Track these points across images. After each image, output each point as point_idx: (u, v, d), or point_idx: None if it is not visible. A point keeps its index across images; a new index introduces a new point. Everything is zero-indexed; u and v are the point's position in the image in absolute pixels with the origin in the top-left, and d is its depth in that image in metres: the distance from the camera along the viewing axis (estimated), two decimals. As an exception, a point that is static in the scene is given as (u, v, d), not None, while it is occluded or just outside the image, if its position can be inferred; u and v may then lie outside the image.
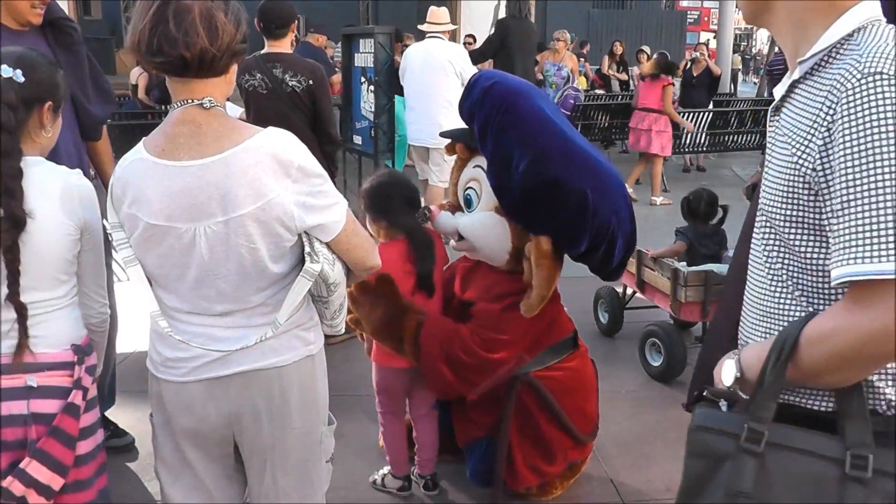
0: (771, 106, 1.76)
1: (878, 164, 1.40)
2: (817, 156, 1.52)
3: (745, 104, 15.37)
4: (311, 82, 5.29)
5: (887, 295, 1.38)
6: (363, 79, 8.70)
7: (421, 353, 3.48)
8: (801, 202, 1.58)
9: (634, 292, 5.89)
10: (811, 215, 1.57)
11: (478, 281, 3.58)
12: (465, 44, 13.49)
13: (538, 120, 3.20)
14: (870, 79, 1.44)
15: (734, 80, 21.99)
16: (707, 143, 13.78)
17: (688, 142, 13.40)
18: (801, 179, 1.56)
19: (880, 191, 1.40)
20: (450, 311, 3.69)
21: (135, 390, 4.67)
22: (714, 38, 22.67)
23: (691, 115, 12.94)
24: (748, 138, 14.44)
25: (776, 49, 17.07)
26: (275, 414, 2.37)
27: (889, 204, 1.39)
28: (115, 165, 2.28)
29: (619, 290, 6.06)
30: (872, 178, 1.41)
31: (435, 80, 7.87)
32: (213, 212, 2.13)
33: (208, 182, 2.12)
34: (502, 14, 11.56)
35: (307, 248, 2.25)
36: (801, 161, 1.56)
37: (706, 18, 29.77)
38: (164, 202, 2.14)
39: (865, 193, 1.41)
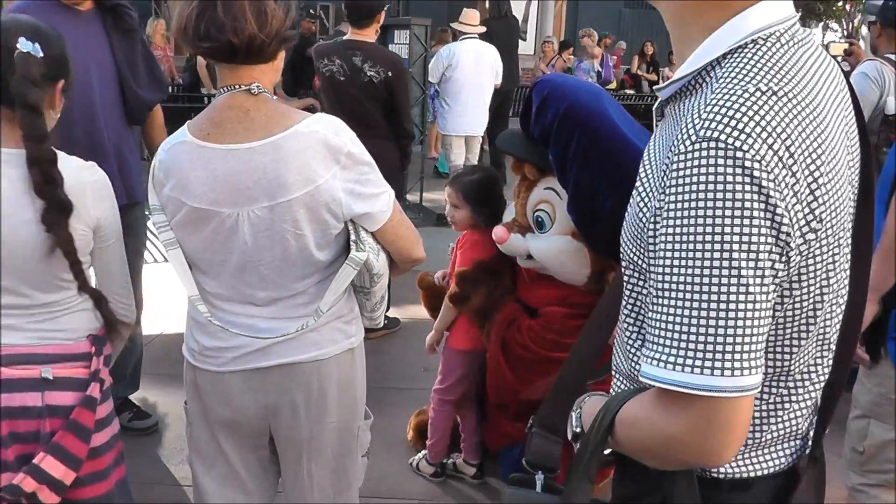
0: (655, 111, 1.49)
1: (691, 260, 1.18)
2: (653, 215, 1.30)
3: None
4: (389, 74, 5.18)
5: (690, 406, 1.20)
6: (408, 74, 8.66)
7: (490, 335, 3.44)
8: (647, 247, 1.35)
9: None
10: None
11: (550, 289, 3.45)
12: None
13: (621, 148, 2.92)
14: (703, 145, 1.16)
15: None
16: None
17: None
18: (644, 230, 1.35)
19: (690, 294, 1.18)
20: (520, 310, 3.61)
21: (162, 373, 4.65)
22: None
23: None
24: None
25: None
26: (313, 408, 2.31)
27: (697, 312, 1.18)
28: None
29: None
30: (686, 276, 1.18)
31: (485, 80, 9.07)
32: (258, 197, 2.09)
33: (255, 166, 2.07)
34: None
35: (353, 237, 2.19)
36: (644, 209, 1.36)
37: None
38: (208, 186, 2.09)
39: (678, 291, 1.19)
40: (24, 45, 2.11)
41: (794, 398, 1.41)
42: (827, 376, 1.44)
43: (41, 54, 2.16)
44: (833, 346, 1.42)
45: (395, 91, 5.27)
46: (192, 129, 2.14)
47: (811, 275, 1.27)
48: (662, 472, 1.39)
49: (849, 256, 1.38)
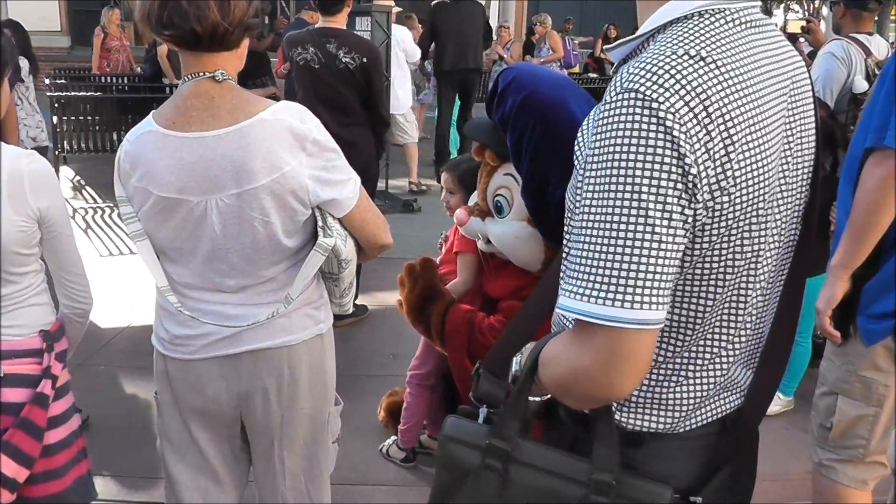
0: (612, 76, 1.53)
1: (604, 200, 1.25)
2: (583, 164, 1.38)
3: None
4: (364, 60, 5.14)
5: (594, 336, 1.27)
6: (383, 61, 8.62)
7: (446, 343, 3.43)
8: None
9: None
10: None
11: (507, 280, 3.47)
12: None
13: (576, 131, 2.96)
14: (623, 96, 1.26)
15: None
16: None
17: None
18: (578, 173, 1.43)
19: (601, 230, 1.25)
20: (476, 302, 3.62)
21: (131, 366, 4.64)
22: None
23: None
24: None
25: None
26: (284, 394, 2.32)
27: (606, 248, 1.25)
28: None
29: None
30: (598, 214, 1.26)
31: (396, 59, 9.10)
32: (225, 184, 2.08)
33: (222, 154, 2.07)
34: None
35: (320, 223, 2.20)
36: (578, 159, 1.46)
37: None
38: (176, 174, 2.08)
39: (592, 228, 1.27)
40: None
41: (706, 355, 1.47)
42: (744, 337, 1.50)
43: None
44: (751, 311, 1.48)
45: (371, 77, 5.25)
46: (157, 119, 2.13)
47: (721, 238, 1.34)
48: (580, 422, 1.50)
49: (778, 231, 1.46)
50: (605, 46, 2.52)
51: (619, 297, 1.23)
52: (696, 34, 1.32)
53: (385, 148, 5.83)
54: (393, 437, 4.02)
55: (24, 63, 6.28)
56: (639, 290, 1.23)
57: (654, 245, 1.23)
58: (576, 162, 1.46)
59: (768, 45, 1.42)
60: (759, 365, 1.56)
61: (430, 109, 12.47)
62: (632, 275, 1.23)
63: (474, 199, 3.46)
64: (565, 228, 1.56)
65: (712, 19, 1.35)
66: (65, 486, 2.33)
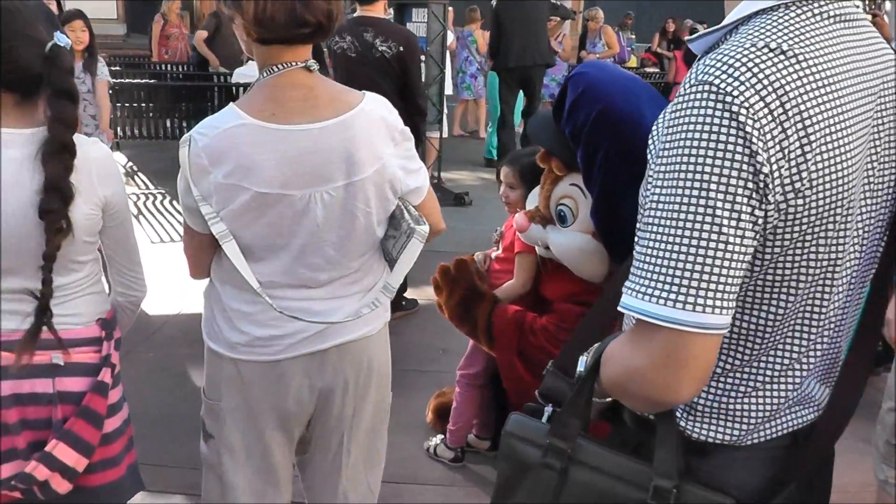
0: None
1: (672, 196, 1.22)
2: (654, 157, 1.34)
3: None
4: (401, 49, 5.10)
5: (653, 337, 1.23)
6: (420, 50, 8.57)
7: (495, 343, 3.38)
8: None
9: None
10: None
11: (563, 282, 3.37)
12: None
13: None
14: (697, 88, 1.21)
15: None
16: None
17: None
18: (649, 167, 1.39)
19: (668, 228, 1.22)
20: (526, 302, 3.54)
21: (178, 354, 4.63)
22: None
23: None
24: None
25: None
26: (360, 386, 2.31)
27: (672, 246, 1.21)
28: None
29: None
30: (666, 211, 1.22)
31: None
32: (333, 176, 2.06)
33: (328, 146, 2.04)
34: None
35: (409, 212, 2.21)
36: (651, 153, 1.40)
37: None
38: (279, 169, 2.01)
39: (659, 225, 1.23)
40: (60, 39, 2.06)
41: (777, 366, 1.41)
42: (820, 350, 1.43)
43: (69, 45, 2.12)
44: (829, 324, 1.42)
45: (407, 67, 5.21)
46: (248, 110, 2.03)
47: (795, 242, 1.28)
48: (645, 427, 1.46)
49: (859, 241, 1.39)
50: (687, 38, 2.46)
51: (682, 298, 1.20)
52: (780, 26, 1.26)
53: (423, 138, 5.75)
54: (440, 436, 3.95)
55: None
56: (702, 293, 1.19)
57: (721, 246, 1.19)
58: (649, 157, 1.39)
59: (859, 41, 1.33)
60: (838, 379, 1.48)
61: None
62: (696, 276, 1.19)
63: (532, 199, 3.37)
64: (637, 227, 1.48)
65: (798, 11, 1.29)
66: (120, 475, 2.30)
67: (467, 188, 9.04)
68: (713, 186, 1.18)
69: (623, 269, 1.70)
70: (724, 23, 1.36)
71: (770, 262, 1.29)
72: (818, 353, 1.43)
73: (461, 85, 12.38)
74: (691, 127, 1.20)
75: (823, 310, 1.39)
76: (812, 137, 1.20)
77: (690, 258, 1.19)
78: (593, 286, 3.25)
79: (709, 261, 1.18)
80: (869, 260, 1.44)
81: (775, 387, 1.41)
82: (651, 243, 1.24)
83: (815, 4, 1.29)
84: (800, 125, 1.19)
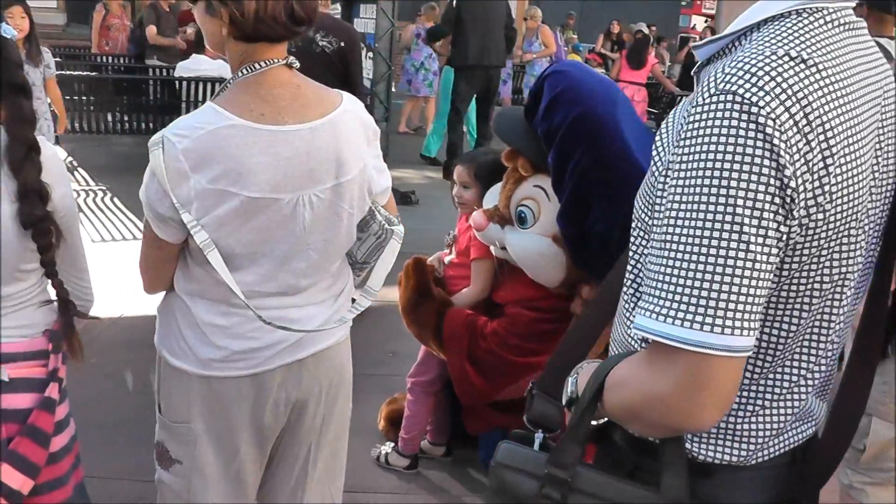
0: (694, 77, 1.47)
1: (695, 212, 1.15)
2: (665, 169, 1.28)
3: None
4: (342, 44, 5.04)
5: (675, 361, 1.17)
6: (362, 45, 8.50)
7: (445, 346, 3.34)
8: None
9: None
10: None
11: (517, 287, 3.34)
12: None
13: (627, 168, 2.73)
14: (720, 98, 1.15)
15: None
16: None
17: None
18: (656, 185, 1.33)
19: (690, 246, 1.16)
20: (479, 306, 3.50)
21: (121, 359, 4.49)
22: (706, 22, 22.58)
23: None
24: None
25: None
26: (331, 392, 2.27)
27: (695, 265, 1.15)
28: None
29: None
30: (687, 227, 1.16)
31: None
32: (322, 178, 2.00)
33: (319, 147, 1.98)
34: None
35: (380, 213, 2.20)
36: (658, 165, 1.34)
37: (699, 2, 29.53)
38: (271, 172, 1.91)
39: (678, 242, 1.17)
40: (6, 30, 1.97)
41: (785, 383, 1.37)
42: (825, 365, 1.40)
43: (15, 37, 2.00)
44: (834, 339, 1.38)
45: (349, 62, 5.16)
46: (233, 110, 1.89)
47: (812, 259, 1.24)
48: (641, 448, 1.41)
49: (863, 253, 1.34)
50: (692, 44, 2.39)
51: (709, 319, 1.14)
52: (795, 34, 1.22)
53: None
54: (389, 444, 3.88)
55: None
56: (730, 314, 1.13)
57: (748, 264, 1.13)
58: (653, 166, 1.35)
59: (863, 49, 1.30)
60: (839, 394, 1.45)
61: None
62: (722, 296, 1.13)
63: (489, 198, 3.32)
64: (632, 234, 1.45)
65: (811, 19, 1.25)
66: (67, 495, 2.20)
67: (413, 187, 8.96)
68: (740, 202, 1.12)
69: (605, 286, 1.66)
70: (731, 30, 1.31)
71: (786, 279, 1.25)
72: (822, 368, 1.40)
73: (423, 82, 12.36)
74: (714, 139, 1.14)
75: (832, 324, 1.35)
76: (834, 150, 1.17)
77: (717, 277, 1.13)
78: (547, 292, 3.24)
79: (736, 280, 1.13)
80: (866, 272, 1.41)
81: (783, 404, 1.37)
82: (670, 261, 1.18)
83: (825, 12, 1.26)
84: (822, 137, 1.16)
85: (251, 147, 1.88)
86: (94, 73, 9.57)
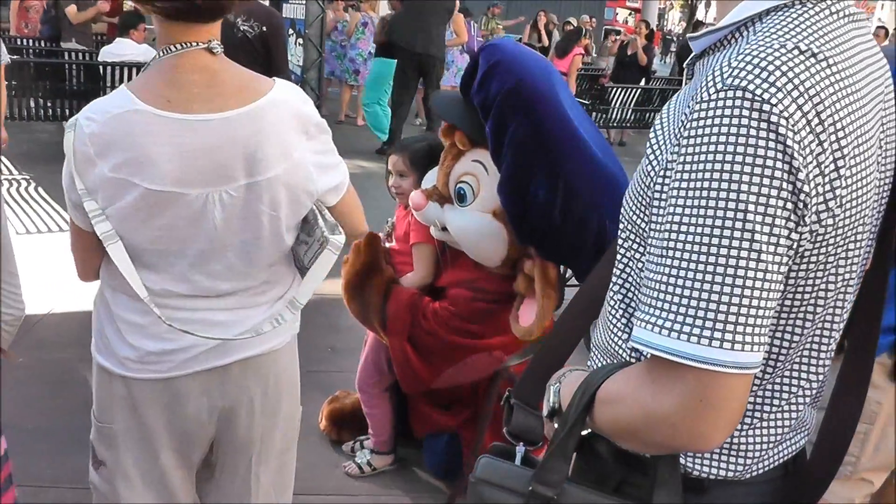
0: (684, 75, 1.41)
1: (701, 218, 1.08)
2: (662, 169, 1.21)
3: (671, 83, 15.47)
4: (264, 28, 4.93)
5: (681, 379, 1.10)
6: (291, 31, 8.38)
7: (388, 326, 3.27)
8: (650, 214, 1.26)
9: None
10: None
11: (461, 270, 3.29)
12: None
13: (566, 137, 2.75)
14: (728, 94, 1.07)
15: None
16: (633, 119, 13.80)
17: (616, 117, 13.44)
18: (651, 186, 1.25)
19: (696, 254, 1.08)
20: (422, 291, 3.44)
21: (51, 358, 4.30)
22: (630, 15, 22.85)
23: (622, 90, 13.22)
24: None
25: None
26: (268, 403, 2.15)
27: (702, 275, 1.07)
28: None
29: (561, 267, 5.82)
30: (693, 234, 1.08)
31: None
32: (234, 174, 1.84)
33: (233, 139, 1.82)
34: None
35: (324, 218, 2.01)
36: (654, 164, 1.25)
37: (623, -6, 29.75)
38: (174, 163, 1.78)
39: (683, 250, 1.09)
40: None
41: (784, 395, 1.33)
42: (822, 374, 1.35)
43: None
44: (833, 347, 1.33)
45: (271, 47, 5.08)
46: (141, 95, 1.80)
47: (818, 266, 1.19)
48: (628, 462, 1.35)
49: (862, 256, 1.28)
50: (689, 35, 2.34)
51: (717, 334, 1.06)
52: (803, 26, 1.14)
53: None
54: (363, 451, 3.78)
55: None
56: (739, 328, 1.06)
57: (760, 275, 1.06)
58: (648, 165, 1.27)
59: (865, 41, 1.24)
60: (832, 403, 1.40)
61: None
62: (732, 308, 1.06)
63: (429, 181, 3.26)
64: (620, 236, 1.38)
65: (817, 9, 1.17)
66: None
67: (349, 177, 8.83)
68: (751, 207, 1.05)
69: (585, 288, 1.60)
70: (731, 19, 1.23)
71: (791, 288, 1.19)
72: (820, 378, 1.35)
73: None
74: (723, 138, 1.06)
75: (833, 333, 1.31)
76: (845, 151, 1.11)
77: (727, 289, 1.06)
78: (488, 273, 3.21)
79: (746, 292, 1.06)
80: (860, 274, 1.35)
81: (781, 415, 1.33)
82: (674, 269, 1.10)
83: (829, 2, 1.19)
84: (833, 137, 1.09)
85: (154, 135, 1.78)
86: (15, 57, 9.24)
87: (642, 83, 14.10)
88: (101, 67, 8.64)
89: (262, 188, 1.87)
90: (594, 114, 12.75)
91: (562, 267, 3.07)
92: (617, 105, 13.12)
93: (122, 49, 8.41)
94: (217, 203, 1.85)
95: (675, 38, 24.20)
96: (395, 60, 9.81)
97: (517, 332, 3.09)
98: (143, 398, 2.02)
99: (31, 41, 11.17)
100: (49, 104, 8.86)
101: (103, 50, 8.84)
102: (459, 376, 3.31)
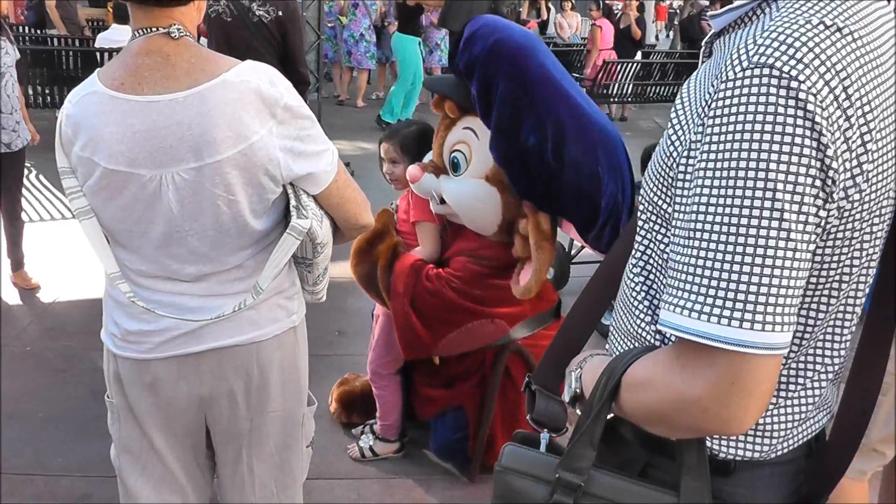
0: (701, 53, 1.38)
1: (730, 198, 1.06)
2: (686, 149, 1.18)
3: (670, 56, 15.41)
4: (280, 13, 4.88)
5: (712, 362, 1.08)
6: (301, 15, 8.39)
7: (392, 284, 3.27)
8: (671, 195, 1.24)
9: (582, 246, 5.67)
10: None
11: (462, 241, 3.31)
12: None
13: (550, 87, 2.82)
14: (755, 72, 1.05)
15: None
16: (631, 93, 13.74)
17: (615, 92, 13.39)
18: (673, 167, 1.22)
19: (725, 235, 1.06)
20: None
21: (57, 346, 4.30)
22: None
23: (620, 65, 13.13)
24: (670, 90, 14.38)
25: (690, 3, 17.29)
26: (253, 396, 2.08)
27: (731, 256, 1.06)
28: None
29: (566, 243, 5.81)
30: (722, 214, 1.07)
31: None
32: (183, 156, 1.80)
33: (179, 121, 1.79)
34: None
35: (293, 202, 1.94)
36: (676, 144, 1.23)
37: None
38: (126, 144, 1.79)
39: (711, 231, 1.08)
40: None
41: (808, 373, 1.30)
42: (844, 350, 1.32)
43: None
44: (851, 322, 1.30)
45: (287, 32, 5.01)
46: (102, 78, 1.84)
47: (844, 242, 1.16)
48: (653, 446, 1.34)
49: (885, 231, 1.25)
50: (709, 13, 2.31)
51: (748, 315, 1.04)
52: (825, 0, 1.11)
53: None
54: (366, 436, 3.77)
55: None
56: (770, 308, 1.04)
57: (789, 254, 1.04)
58: (670, 146, 1.24)
59: (888, 15, 1.20)
60: (850, 378, 1.37)
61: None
62: (763, 289, 1.04)
63: (428, 157, 3.28)
64: (641, 216, 1.35)
65: None
66: None
67: (347, 158, 8.79)
68: (780, 186, 1.03)
69: (597, 276, 1.57)
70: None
71: (818, 265, 1.16)
72: (842, 354, 1.32)
73: (365, 54, 12.16)
74: (750, 117, 1.04)
75: (856, 308, 1.27)
76: (871, 126, 1.08)
77: (756, 269, 1.04)
78: (488, 242, 3.23)
79: (777, 272, 1.04)
80: (882, 249, 1.32)
81: (805, 393, 1.30)
82: (702, 251, 1.08)
83: None
84: (860, 112, 1.06)
85: (107, 116, 1.80)
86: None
87: (638, 56, 14.03)
88: (97, 54, 8.61)
89: (213, 171, 1.83)
90: (594, 88, 12.67)
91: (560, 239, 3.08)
92: (616, 80, 13.05)
93: (118, 35, 8.36)
94: (170, 185, 1.83)
95: (677, 11, 24.07)
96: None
97: (516, 292, 3.11)
98: (128, 377, 2.03)
99: (27, 28, 11.19)
100: (47, 91, 8.82)
101: (100, 36, 8.84)
102: (462, 343, 3.29)
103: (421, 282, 3.25)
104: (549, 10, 17.59)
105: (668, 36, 19.90)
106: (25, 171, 7.65)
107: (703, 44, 1.33)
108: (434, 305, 3.25)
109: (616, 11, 15.34)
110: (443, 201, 3.16)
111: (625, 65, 13.20)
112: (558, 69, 2.92)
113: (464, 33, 2.89)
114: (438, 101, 3.14)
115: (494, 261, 3.25)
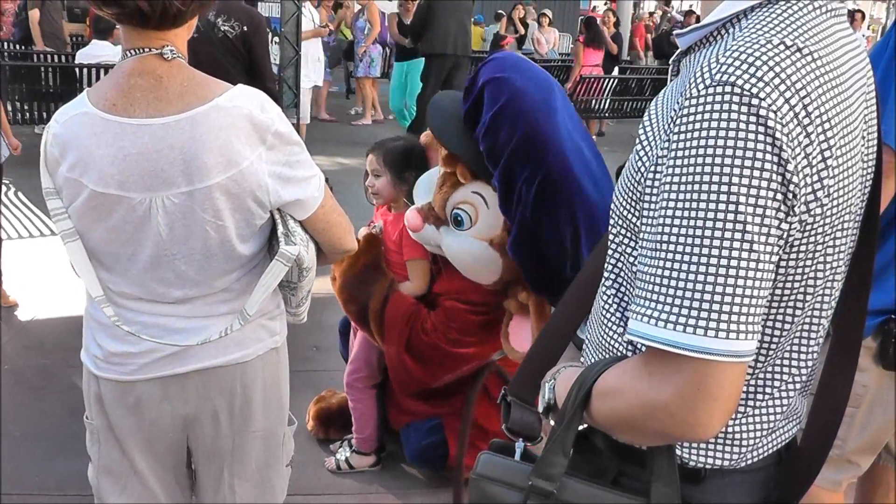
0: (669, 71, 1.45)
1: (693, 210, 1.10)
2: (652, 164, 1.22)
3: (646, 72, 15.49)
4: (245, 28, 4.89)
5: (678, 369, 1.12)
6: (267, 29, 8.36)
7: (385, 333, 3.29)
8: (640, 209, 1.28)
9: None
10: None
11: (453, 279, 3.32)
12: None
13: (572, 190, 2.77)
14: (717, 89, 1.10)
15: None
16: (608, 108, 13.81)
17: (594, 106, 13.48)
18: (641, 181, 1.27)
19: (690, 246, 1.10)
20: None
21: (35, 364, 4.29)
22: (605, 4, 22.84)
23: (597, 80, 13.22)
24: (646, 105, 14.40)
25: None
26: (236, 416, 2.10)
27: (696, 267, 1.10)
28: None
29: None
30: (686, 227, 1.11)
31: None
32: (174, 180, 1.81)
33: (171, 145, 1.79)
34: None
35: (281, 229, 1.95)
36: (644, 160, 1.27)
37: (600, -17, 29.74)
38: (116, 167, 1.80)
39: (676, 243, 1.12)
40: None
41: (776, 383, 1.35)
42: (812, 361, 1.37)
43: None
44: (822, 334, 1.35)
45: (252, 47, 5.02)
46: (93, 98, 1.84)
47: (807, 255, 1.21)
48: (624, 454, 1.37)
49: (848, 244, 1.31)
50: (675, 32, 2.35)
51: (713, 324, 1.09)
52: (787, 21, 1.17)
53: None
54: (343, 449, 3.79)
55: None
56: (734, 317, 1.09)
57: (752, 265, 1.09)
58: (638, 161, 1.29)
59: (847, 35, 1.27)
60: (820, 389, 1.43)
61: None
62: (726, 299, 1.08)
63: (419, 189, 3.25)
64: (611, 231, 1.40)
65: (800, 5, 1.20)
66: None
67: (327, 174, 8.78)
68: (742, 199, 1.07)
69: (571, 292, 1.62)
70: (717, 16, 1.25)
71: (782, 277, 1.21)
72: (810, 365, 1.37)
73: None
74: (713, 133, 1.09)
75: (822, 321, 1.33)
76: (832, 142, 1.13)
77: (720, 279, 1.08)
78: (484, 291, 3.23)
79: (740, 282, 1.08)
80: (847, 262, 1.37)
81: (773, 403, 1.35)
82: (668, 262, 1.12)
83: None
84: (820, 129, 1.12)
85: (98, 137, 1.81)
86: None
87: (615, 72, 14.11)
88: (77, 69, 8.61)
89: (203, 195, 1.84)
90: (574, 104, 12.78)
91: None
92: (594, 95, 13.17)
93: (98, 51, 8.38)
94: (160, 209, 1.84)
95: (651, 30, 24.19)
96: (421, 60, 10.02)
97: (510, 353, 3.16)
98: (110, 398, 2.04)
99: (5, 43, 11.15)
100: (26, 107, 8.81)
101: (80, 52, 8.82)
102: (454, 375, 3.35)
103: (416, 334, 3.27)
104: (526, 25, 17.66)
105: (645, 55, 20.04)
106: (4, 188, 7.70)
107: (670, 62, 1.39)
108: (431, 357, 3.29)
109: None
110: (439, 247, 3.17)
111: (601, 80, 13.28)
112: (575, 124, 2.90)
113: (485, 102, 2.80)
114: (450, 160, 3.05)
115: (484, 305, 3.27)
